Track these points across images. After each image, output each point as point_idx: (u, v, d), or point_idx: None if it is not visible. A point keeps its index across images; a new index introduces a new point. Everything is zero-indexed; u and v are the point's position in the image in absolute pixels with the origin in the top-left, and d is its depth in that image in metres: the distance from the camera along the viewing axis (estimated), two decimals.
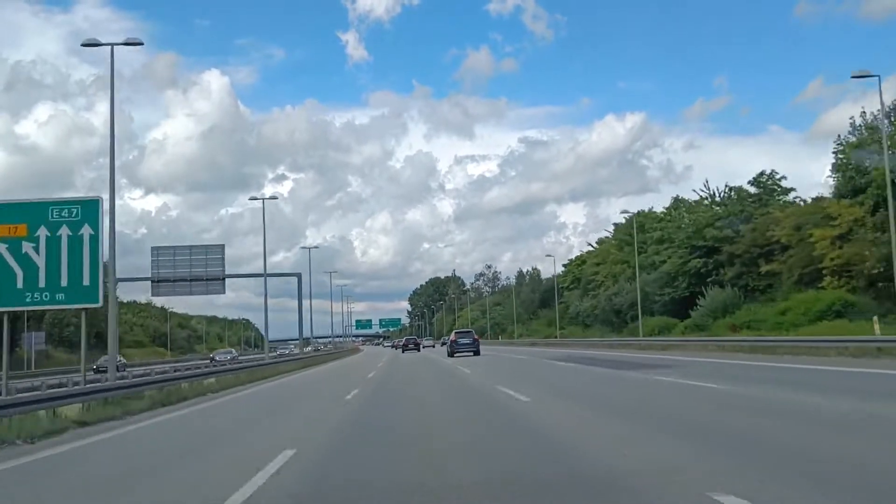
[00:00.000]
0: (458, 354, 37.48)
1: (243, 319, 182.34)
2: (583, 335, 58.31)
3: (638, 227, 66.98)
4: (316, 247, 53.62)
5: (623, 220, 71.10)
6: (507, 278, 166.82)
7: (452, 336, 43.59)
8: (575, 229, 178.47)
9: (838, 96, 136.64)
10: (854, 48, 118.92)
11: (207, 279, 50.51)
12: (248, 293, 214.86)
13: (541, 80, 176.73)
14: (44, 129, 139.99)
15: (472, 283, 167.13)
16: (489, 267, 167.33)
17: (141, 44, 22.96)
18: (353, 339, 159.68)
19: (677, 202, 60.22)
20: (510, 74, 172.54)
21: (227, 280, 48.88)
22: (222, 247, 50.90)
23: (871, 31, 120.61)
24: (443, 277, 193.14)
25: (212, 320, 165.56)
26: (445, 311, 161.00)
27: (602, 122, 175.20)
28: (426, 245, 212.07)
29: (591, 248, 78.35)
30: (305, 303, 54.26)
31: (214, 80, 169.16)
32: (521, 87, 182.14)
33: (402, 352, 62.14)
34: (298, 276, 50.72)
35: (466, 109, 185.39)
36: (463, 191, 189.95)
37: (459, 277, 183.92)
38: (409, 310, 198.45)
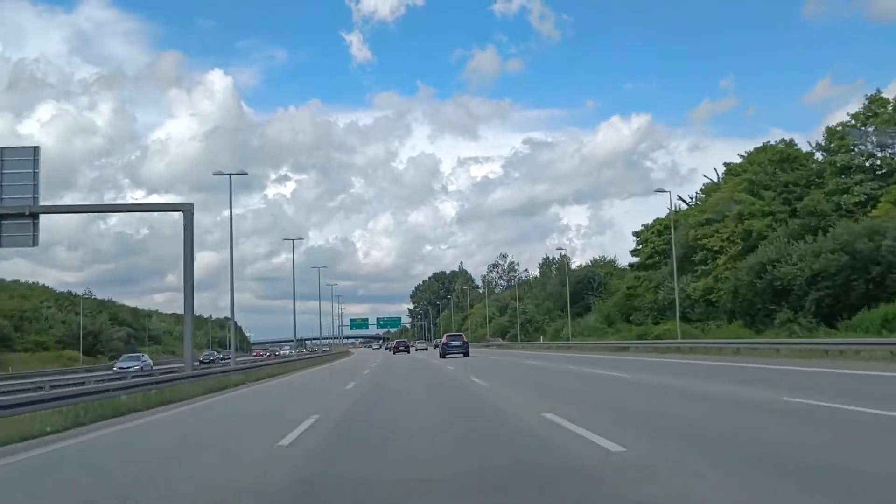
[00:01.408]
0: (449, 356, 40.56)
1: (217, 318, 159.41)
2: (722, 335, 32.58)
3: (777, 162, 41.62)
4: (245, 172, 28.80)
5: (744, 154, 45.67)
6: (526, 270, 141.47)
7: (444, 339, 46.82)
8: (578, 231, 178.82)
9: (845, 97, 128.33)
10: (863, 49, 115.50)
11: (3, 216, 25.29)
12: (250, 294, 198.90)
13: (546, 81, 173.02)
14: (46, 128, 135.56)
15: (484, 276, 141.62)
16: (504, 257, 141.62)
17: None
18: (350, 341, 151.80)
19: (874, 101, 34.51)
20: (515, 75, 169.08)
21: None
22: (34, 154, 25.68)
23: (880, 31, 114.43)
24: (448, 272, 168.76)
25: (179, 318, 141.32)
26: (454, 309, 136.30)
27: (607, 124, 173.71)
28: (429, 247, 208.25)
29: (688, 203, 52.93)
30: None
31: (218, 81, 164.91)
32: (526, 88, 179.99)
33: (394, 353, 66.17)
34: (188, 207, 25.38)
35: (470, 110, 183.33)
36: (466, 192, 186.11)
37: (467, 271, 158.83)
38: (411, 308, 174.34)
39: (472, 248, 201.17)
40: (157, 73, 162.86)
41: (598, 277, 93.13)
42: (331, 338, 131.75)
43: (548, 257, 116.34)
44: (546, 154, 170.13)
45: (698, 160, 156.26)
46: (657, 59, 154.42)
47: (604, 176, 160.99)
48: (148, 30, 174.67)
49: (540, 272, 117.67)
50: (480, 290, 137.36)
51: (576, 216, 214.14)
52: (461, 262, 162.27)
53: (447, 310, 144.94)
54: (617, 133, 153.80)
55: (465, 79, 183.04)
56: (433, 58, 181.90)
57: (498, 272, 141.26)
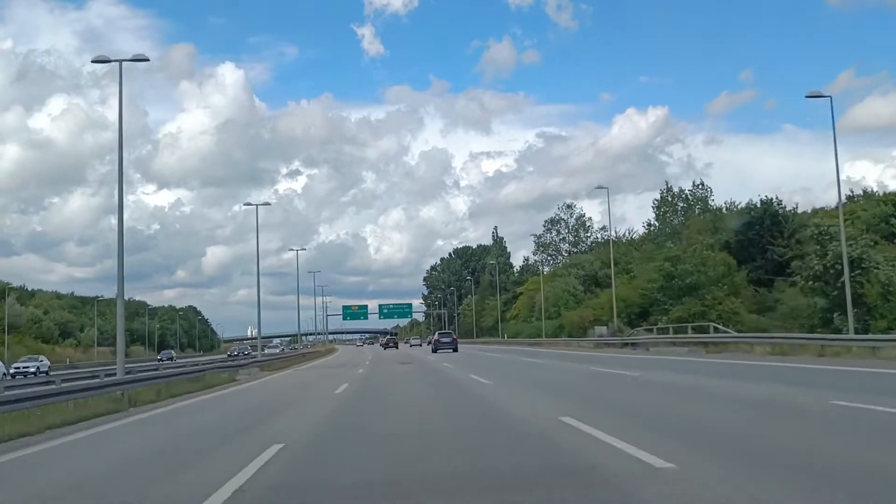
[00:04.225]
0: (440, 350, 46.70)
1: (171, 307, 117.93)
2: None
3: None
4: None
5: None
6: (603, 228, 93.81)
7: (436, 336, 54.82)
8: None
9: (868, 89, 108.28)
10: (888, 39, 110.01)
11: None
12: (262, 290, 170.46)
13: (561, 73, 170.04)
14: (57, 122, 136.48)
15: (538, 238, 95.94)
16: (569, 207, 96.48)
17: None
18: (352, 336, 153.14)
19: None
20: (530, 68, 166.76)
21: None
22: None
23: None
24: (475, 247, 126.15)
25: (83, 302, 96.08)
26: (499, 290, 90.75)
27: (623, 117, 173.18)
28: (440, 242, 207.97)
29: None
30: None
31: (229, 74, 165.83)
32: (540, 81, 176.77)
33: (385, 348, 72.11)
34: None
35: (484, 104, 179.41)
36: (478, 187, 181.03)
37: (503, 239, 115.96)
38: (425, 293, 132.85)
39: (483, 243, 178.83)
40: (167, 66, 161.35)
41: (784, 217, 52.81)
42: (318, 332, 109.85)
43: (670, 188, 72.27)
44: (560, 148, 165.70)
45: (714, 154, 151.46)
46: (675, 51, 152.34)
47: (618, 170, 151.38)
48: (158, 26, 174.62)
49: (657, 217, 73.18)
50: (540, 256, 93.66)
51: (588, 211, 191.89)
52: (495, 228, 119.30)
53: (477, 294, 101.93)
54: (633, 126, 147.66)
55: (480, 70, 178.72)
56: (446, 51, 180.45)
57: (559, 230, 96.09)
